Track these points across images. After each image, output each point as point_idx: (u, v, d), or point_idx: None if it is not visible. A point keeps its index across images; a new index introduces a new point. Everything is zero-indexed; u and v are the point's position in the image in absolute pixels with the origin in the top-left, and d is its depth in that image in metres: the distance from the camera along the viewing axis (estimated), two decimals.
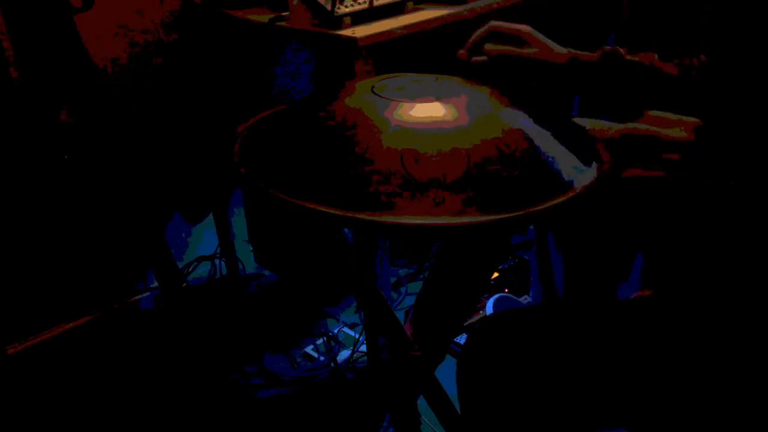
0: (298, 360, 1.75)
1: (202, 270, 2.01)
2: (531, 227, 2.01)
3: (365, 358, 1.70)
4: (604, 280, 1.17)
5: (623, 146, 0.74)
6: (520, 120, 0.81)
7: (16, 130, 1.57)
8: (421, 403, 1.09)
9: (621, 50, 1.02)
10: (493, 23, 1.04)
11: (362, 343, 1.75)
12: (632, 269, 1.14)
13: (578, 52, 1.03)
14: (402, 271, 2.06)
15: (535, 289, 1.34)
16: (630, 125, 0.74)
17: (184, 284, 1.87)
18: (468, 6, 1.51)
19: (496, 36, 1.04)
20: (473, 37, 1.05)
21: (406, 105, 0.79)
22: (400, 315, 1.88)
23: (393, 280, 2.00)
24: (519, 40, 1.03)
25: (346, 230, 1.18)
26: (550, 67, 1.02)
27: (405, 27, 1.40)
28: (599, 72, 1.02)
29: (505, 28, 1.03)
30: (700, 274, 0.85)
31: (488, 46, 1.03)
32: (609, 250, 1.15)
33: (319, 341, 1.80)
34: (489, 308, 1.74)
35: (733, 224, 0.78)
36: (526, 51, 1.02)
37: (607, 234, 1.12)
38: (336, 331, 1.83)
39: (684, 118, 0.73)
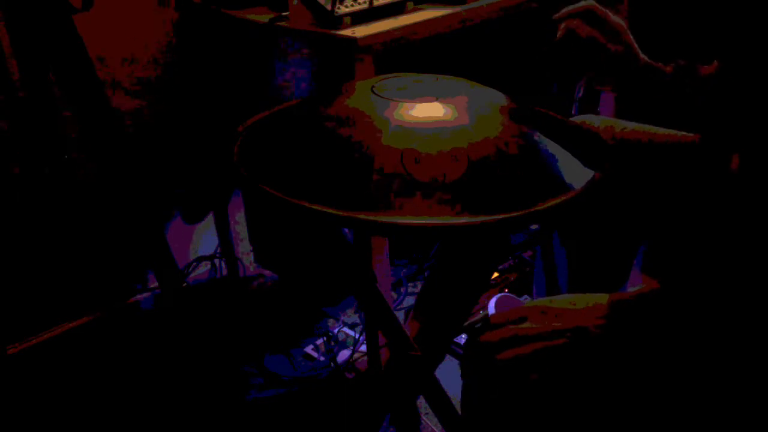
0: (298, 360, 1.75)
1: (202, 270, 2.01)
2: (536, 227, 2.01)
3: (365, 358, 1.70)
4: (607, 277, 1.17)
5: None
6: (520, 120, 0.81)
7: (15, 129, 1.57)
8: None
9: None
10: (594, 3, 1.03)
11: (362, 343, 1.75)
12: (632, 267, 1.14)
13: (653, 62, 1.02)
14: (402, 271, 2.06)
15: (537, 288, 1.33)
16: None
17: (184, 284, 1.87)
18: (468, 6, 1.51)
19: (587, 16, 1.03)
20: (569, 8, 1.04)
21: (406, 105, 0.79)
22: (400, 315, 1.88)
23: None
24: (608, 30, 1.02)
25: (345, 230, 1.18)
26: (624, 69, 1.01)
27: (405, 27, 1.40)
28: (671, 84, 1.01)
29: (602, 13, 1.03)
30: (703, 271, 0.84)
31: (574, 23, 1.03)
32: (612, 248, 1.15)
33: (319, 341, 1.80)
34: (491, 308, 1.74)
35: (736, 221, 0.78)
36: (613, 47, 1.01)
37: (611, 231, 1.12)
38: (336, 331, 1.83)
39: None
